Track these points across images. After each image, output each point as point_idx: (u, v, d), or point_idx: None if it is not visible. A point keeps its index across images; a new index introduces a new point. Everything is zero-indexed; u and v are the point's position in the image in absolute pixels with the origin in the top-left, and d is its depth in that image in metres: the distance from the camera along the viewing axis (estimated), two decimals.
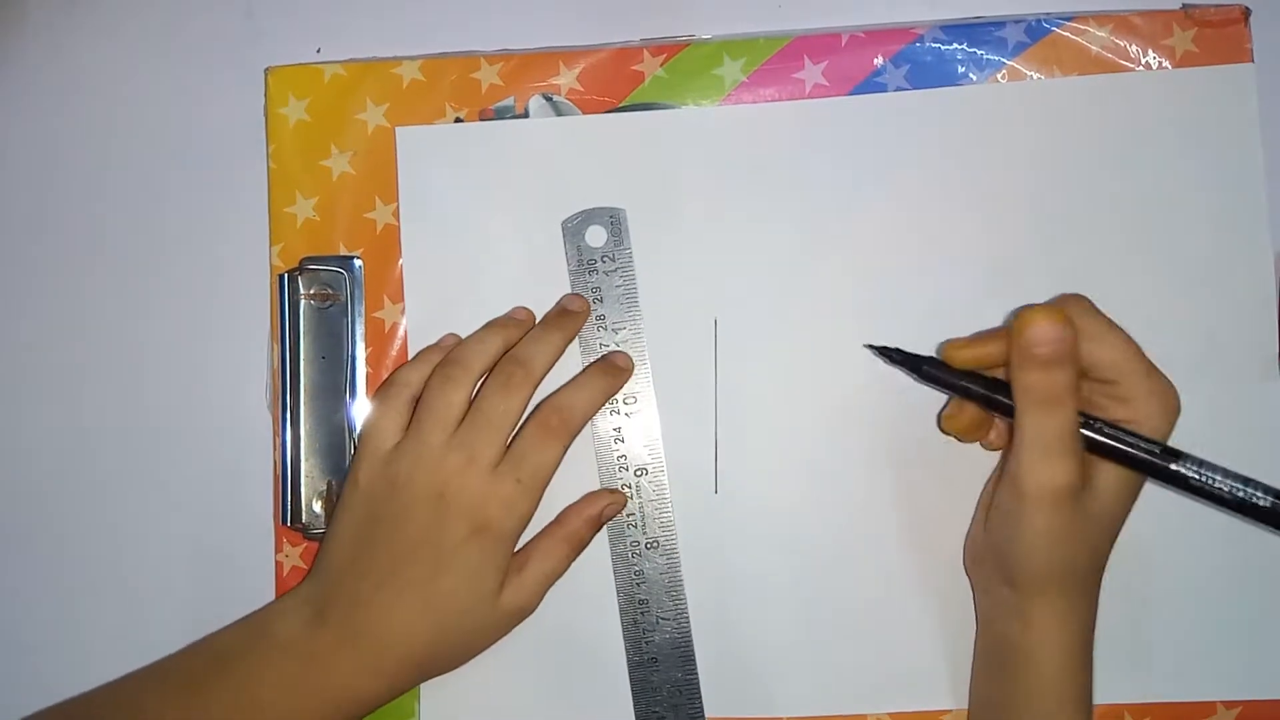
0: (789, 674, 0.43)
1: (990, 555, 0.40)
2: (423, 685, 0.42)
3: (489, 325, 0.43)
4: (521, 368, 0.41)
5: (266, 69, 0.45)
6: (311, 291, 0.45)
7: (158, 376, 0.46)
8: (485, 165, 0.44)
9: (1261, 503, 0.36)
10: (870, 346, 0.41)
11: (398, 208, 0.45)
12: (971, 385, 0.38)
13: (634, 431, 0.43)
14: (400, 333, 0.44)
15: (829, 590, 0.43)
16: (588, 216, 0.44)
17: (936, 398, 0.42)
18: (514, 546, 0.40)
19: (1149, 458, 0.36)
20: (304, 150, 0.45)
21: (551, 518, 0.42)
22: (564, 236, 0.44)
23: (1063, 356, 0.35)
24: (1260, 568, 0.42)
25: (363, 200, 0.45)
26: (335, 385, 0.44)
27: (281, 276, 0.44)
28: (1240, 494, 0.36)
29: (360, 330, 0.44)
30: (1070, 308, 0.37)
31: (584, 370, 0.43)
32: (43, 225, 0.46)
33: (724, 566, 0.43)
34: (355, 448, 0.42)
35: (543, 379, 0.41)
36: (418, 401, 0.41)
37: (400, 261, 0.44)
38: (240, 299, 0.45)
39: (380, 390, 0.43)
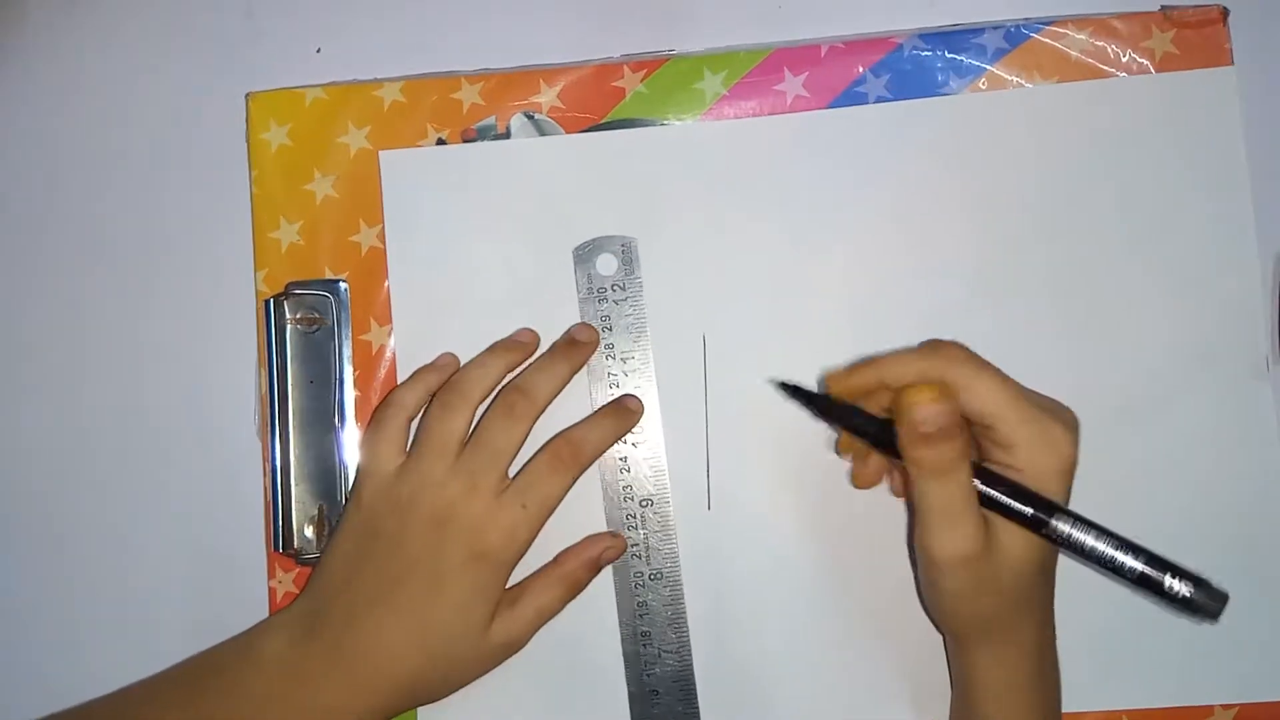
0: (788, 694, 0.43)
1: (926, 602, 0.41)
2: (420, 711, 0.42)
3: (492, 349, 0.43)
4: (525, 397, 0.41)
5: (247, 94, 0.45)
6: (298, 316, 0.44)
7: (152, 401, 0.45)
8: (469, 186, 0.44)
9: (1130, 573, 0.34)
10: (772, 383, 0.41)
11: (382, 230, 0.44)
12: (867, 427, 0.38)
13: (640, 462, 0.43)
14: (388, 355, 0.44)
15: (825, 603, 0.43)
16: (599, 244, 0.44)
17: None
18: (509, 575, 0.40)
19: (1023, 517, 0.35)
20: (286, 175, 0.45)
21: (548, 552, 0.42)
22: (574, 263, 0.44)
23: (948, 431, 0.35)
24: (1256, 570, 0.42)
25: (347, 223, 0.45)
26: (324, 410, 0.44)
27: (267, 302, 0.44)
28: (1114, 562, 0.35)
29: (348, 354, 0.44)
30: (942, 359, 0.37)
31: (599, 410, 0.43)
32: (42, 227, 0.46)
33: (719, 581, 0.43)
34: (355, 472, 0.42)
35: (545, 408, 0.41)
36: (415, 420, 0.42)
37: (386, 284, 0.44)
38: (228, 319, 0.45)
39: (376, 413, 0.42)
